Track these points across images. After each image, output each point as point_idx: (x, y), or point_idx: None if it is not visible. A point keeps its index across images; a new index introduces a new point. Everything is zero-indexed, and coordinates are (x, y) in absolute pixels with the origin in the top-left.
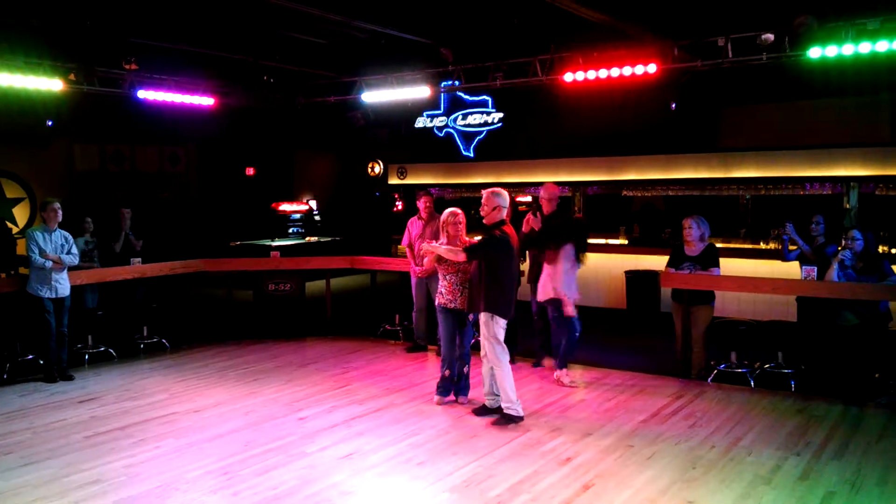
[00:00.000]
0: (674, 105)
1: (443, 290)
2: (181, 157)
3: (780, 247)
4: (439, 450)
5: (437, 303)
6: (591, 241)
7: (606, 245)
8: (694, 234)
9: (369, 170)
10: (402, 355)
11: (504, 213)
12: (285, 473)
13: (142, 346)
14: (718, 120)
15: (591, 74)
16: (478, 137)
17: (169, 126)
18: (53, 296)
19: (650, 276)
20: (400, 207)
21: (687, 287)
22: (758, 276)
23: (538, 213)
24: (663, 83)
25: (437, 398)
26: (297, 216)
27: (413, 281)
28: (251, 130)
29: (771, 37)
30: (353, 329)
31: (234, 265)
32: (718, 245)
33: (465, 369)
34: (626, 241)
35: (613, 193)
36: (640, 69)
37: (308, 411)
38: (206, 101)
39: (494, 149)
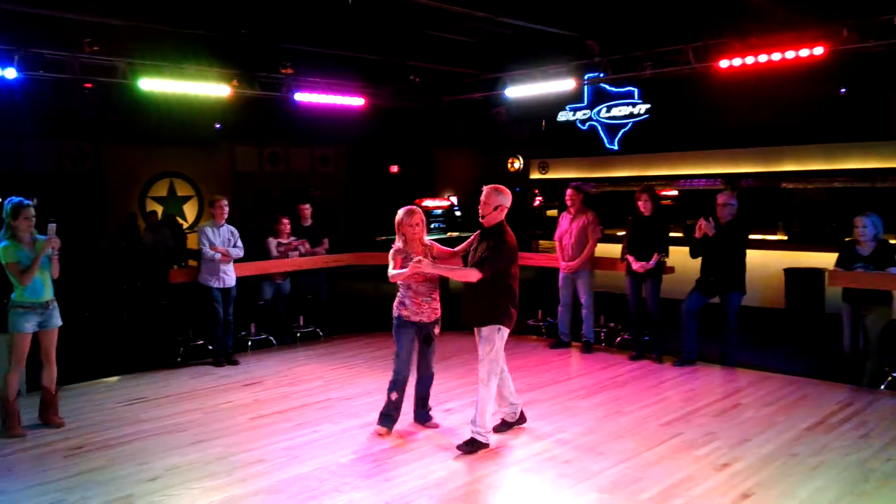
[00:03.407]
0: (843, 90)
1: (406, 301)
2: (331, 158)
3: None
4: (585, 448)
5: (395, 314)
6: None
7: (763, 241)
8: (868, 232)
9: (509, 165)
10: (545, 351)
11: (504, 214)
12: (433, 464)
13: (298, 334)
14: (891, 105)
15: (750, 60)
16: (623, 130)
17: (320, 128)
18: (221, 286)
19: (812, 274)
20: (539, 202)
21: (859, 286)
22: None
23: (711, 219)
24: (828, 66)
25: (380, 428)
26: (439, 212)
27: (560, 276)
28: (395, 130)
29: None
30: None
31: (382, 259)
32: (893, 242)
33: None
34: (784, 237)
35: (770, 186)
36: (804, 52)
37: (453, 403)
38: (357, 101)
39: (640, 141)
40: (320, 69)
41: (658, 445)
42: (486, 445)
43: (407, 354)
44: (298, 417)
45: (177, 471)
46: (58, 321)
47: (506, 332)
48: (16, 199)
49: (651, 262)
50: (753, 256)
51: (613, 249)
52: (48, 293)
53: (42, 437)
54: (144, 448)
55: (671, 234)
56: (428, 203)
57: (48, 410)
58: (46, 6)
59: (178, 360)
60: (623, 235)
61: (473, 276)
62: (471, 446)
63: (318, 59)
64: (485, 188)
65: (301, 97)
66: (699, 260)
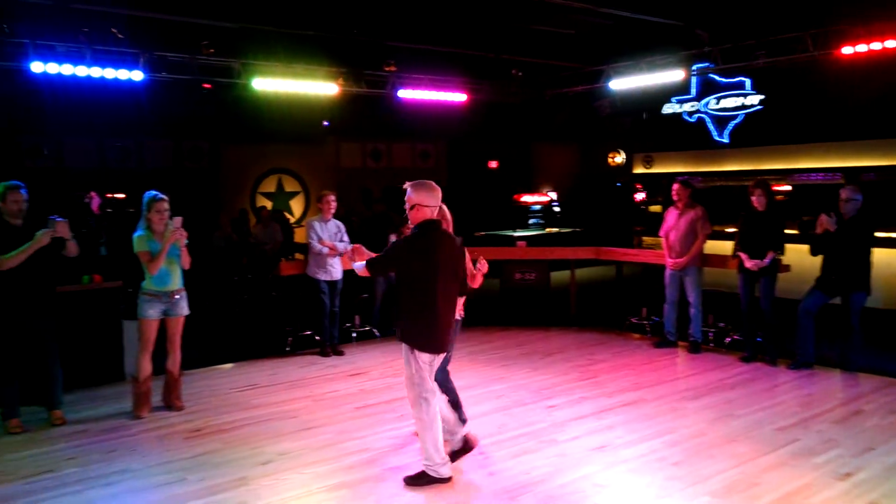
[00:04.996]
0: None
1: None
2: (431, 153)
3: None
4: (695, 451)
5: None
6: None
7: (889, 239)
8: None
9: (610, 160)
10: (650, 350)
11: (429, 213)
12: (537, 459)
13: None
14: None
15: (876, 46)
16: (733, 122)
17: (421, 124)
18: (328, 279)
19: None
20: (643, 197)
21: None
22: None
23: (832, 215)
24: None
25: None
26: (537, 207)
27: (667, 273)
28: (495, 124)
29: None
30: (596, 321)
31: (486, 254)
32: None
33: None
34: None
35: None
36: None
37: (557, 400)
38: (459, 97)
39: (752, 134)
40: (423, 66)
41: (773, 451)
42: (441, 480)
43: None
44: (403, 408)
45: (288, 456)
46: (184, 310)
47: (423, 356)
48: (152, 192)
49: (766, 260)
50: (878, 255)
51: (722, 246)
52: (175, 283)
53: (164, 418)
54: (257, 433)
55: (785, 231)
56: (526, 198)
57: (171, 394)
58: (170, 11)
59: (287, 349)
60: (734, 232)
61: (363, 271)
62: (418, 480)
63: (421, 55)
64: (407, 185)
65: (404, 94)
66: (817, 258)
